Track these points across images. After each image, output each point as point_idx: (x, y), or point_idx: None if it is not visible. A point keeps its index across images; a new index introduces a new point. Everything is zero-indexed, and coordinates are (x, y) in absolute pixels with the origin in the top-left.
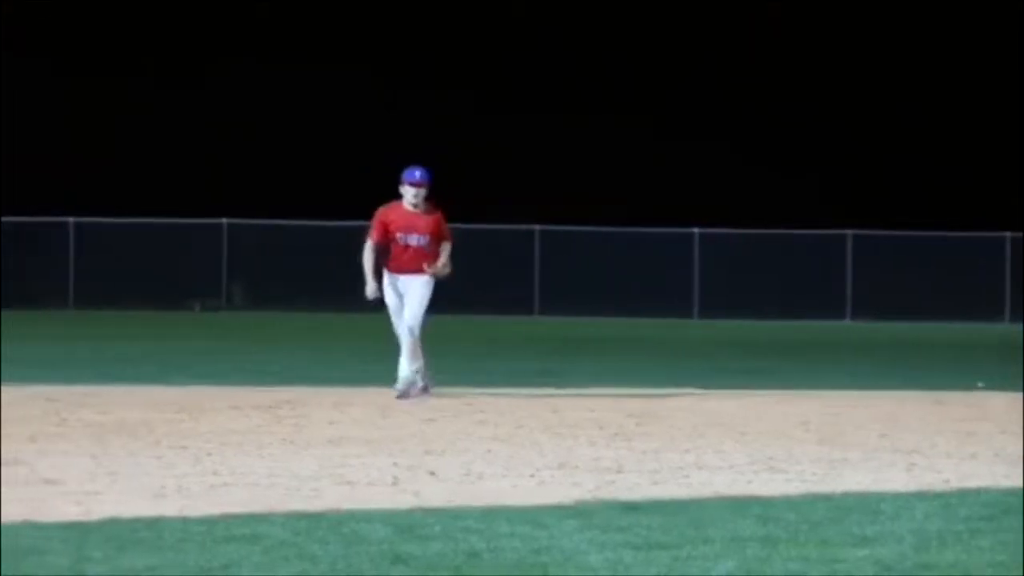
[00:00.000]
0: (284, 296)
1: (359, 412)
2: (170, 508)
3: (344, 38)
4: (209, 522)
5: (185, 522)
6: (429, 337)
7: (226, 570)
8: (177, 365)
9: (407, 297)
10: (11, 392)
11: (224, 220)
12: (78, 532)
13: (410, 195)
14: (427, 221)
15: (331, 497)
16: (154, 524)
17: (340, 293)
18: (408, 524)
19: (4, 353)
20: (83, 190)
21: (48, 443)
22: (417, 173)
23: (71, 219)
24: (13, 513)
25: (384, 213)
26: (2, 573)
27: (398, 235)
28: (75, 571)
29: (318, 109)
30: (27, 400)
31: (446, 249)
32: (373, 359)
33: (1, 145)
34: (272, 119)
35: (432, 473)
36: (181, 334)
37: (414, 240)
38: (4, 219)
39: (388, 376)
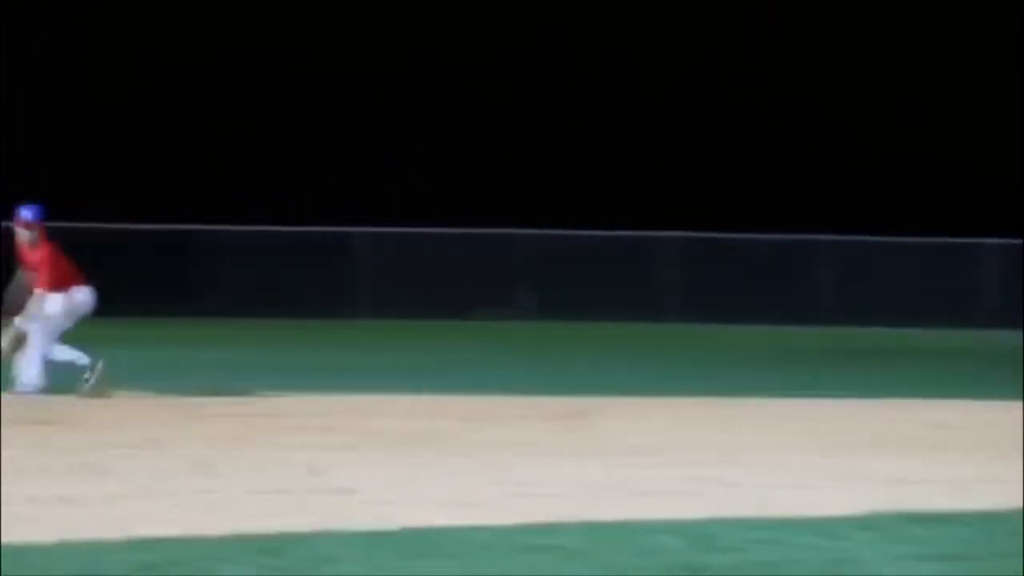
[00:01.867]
0: (574, 305)
1: (653, 421)
2: (464, 517)
3: None
4: (504, 532)
5: (479, 531)
6: (727, 346)
7: None
8: (468, 374)
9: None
10: (311, 401)
11: (514, 231)
12: (373, 541)
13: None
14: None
15: (626, 507)
16: (448, 533)
17: (628, 303)
18: (703, 534)
19: (310, 361)
20: (369, 200)
21: (346, 452)
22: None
23: (356, 229)
24: (309, 522)
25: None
26: None
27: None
28: None
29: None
30: (325, 408)
31: None
32: (665, 368)
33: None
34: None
35: (726, 483)
36: (468, 344)
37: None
38: (288, 229)
39: (681, 386)
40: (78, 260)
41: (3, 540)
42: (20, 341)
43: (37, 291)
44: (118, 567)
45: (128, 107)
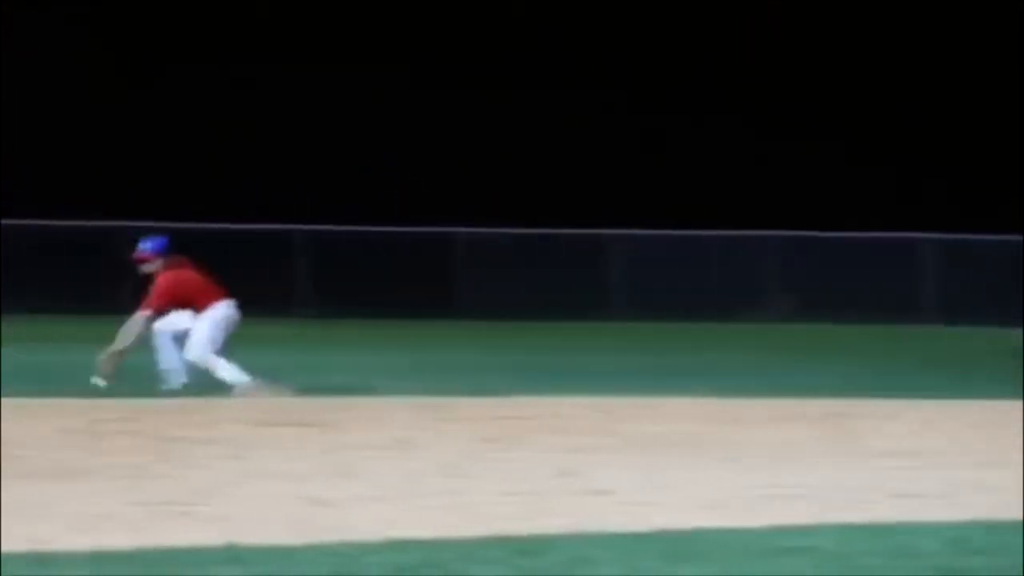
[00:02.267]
0: (832, 307)
1: (908, 424)
2: (721, 519)
3: None
4: (759, 534)
5: (735, 534)
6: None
7: None
8: (729, 376)
9: None
10: (562, 403)
11: (769, 232)
12: (630, 543)
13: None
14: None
15: (882, 509)
16: (705, 535)
17: (884, 304)
18: (958, 537)
19: (562, 364)
20: (623, 202)
21: (600, 454)
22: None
23: (610, 231)
24: (564, 524)
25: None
26: None
27: None
28: None
29: None
30: (577, 411)
31: None
32: (920, 370)
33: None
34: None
35: (984, 486)
36: (723, 346)
37: None
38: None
39: (934, 388)
40: (325, 261)
41: (256, 540)
42: (120, 356)
43: (139, 312)
44: (372, 568)
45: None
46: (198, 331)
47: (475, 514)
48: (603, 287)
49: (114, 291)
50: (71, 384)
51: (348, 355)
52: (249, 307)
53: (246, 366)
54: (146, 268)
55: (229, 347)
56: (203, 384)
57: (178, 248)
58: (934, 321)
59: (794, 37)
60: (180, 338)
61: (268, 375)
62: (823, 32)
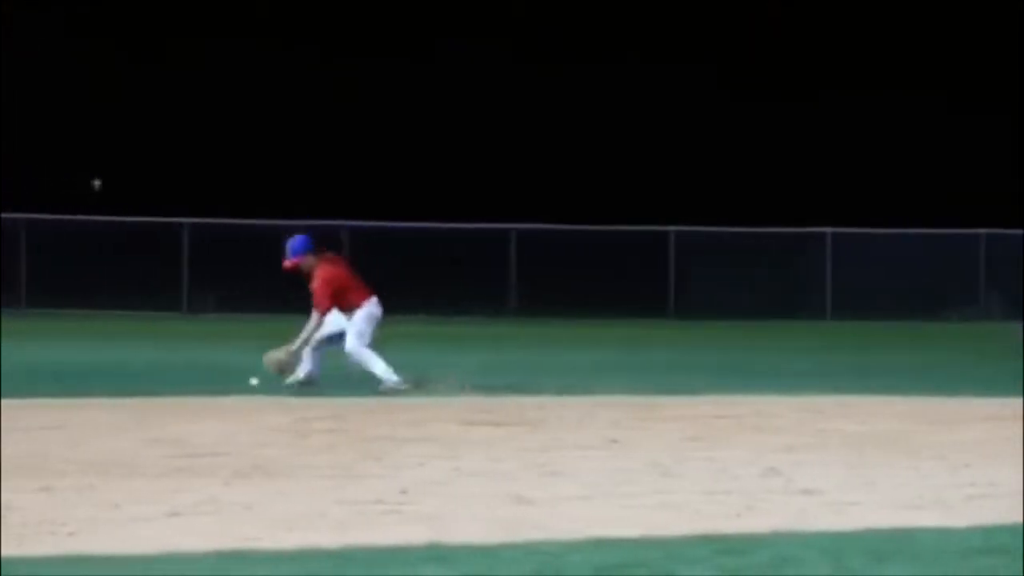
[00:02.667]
0: None
1: None
2: (927, 519)
3: None
4: (965, 533)
5: (942, 533)
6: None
7: None
8: (931, 375)
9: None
10: (767, 402)
11: (982, 231)
12: (838, 542)
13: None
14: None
15: None
16: (911, 535)
17: None
18: None
19: (766, 362)
20: (835, 201)
21: (806, 453)
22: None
23: (818, 230)
24: (770, 523)
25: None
26: None
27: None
28: None
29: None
30: (783, 410)
31: None
32: None
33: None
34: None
35: None
36: (933, 345)
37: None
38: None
39: None
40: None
41: (463, 539)
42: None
43: (314, 314)
44: (576, 567)
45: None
46: (355, 325)
47: (682, 513)
48: (814, 285)
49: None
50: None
51: (556, 354)
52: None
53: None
54: (303, 267)
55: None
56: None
57: (397, 247)
58: None
59: None
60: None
61: (475, 372)
62: None
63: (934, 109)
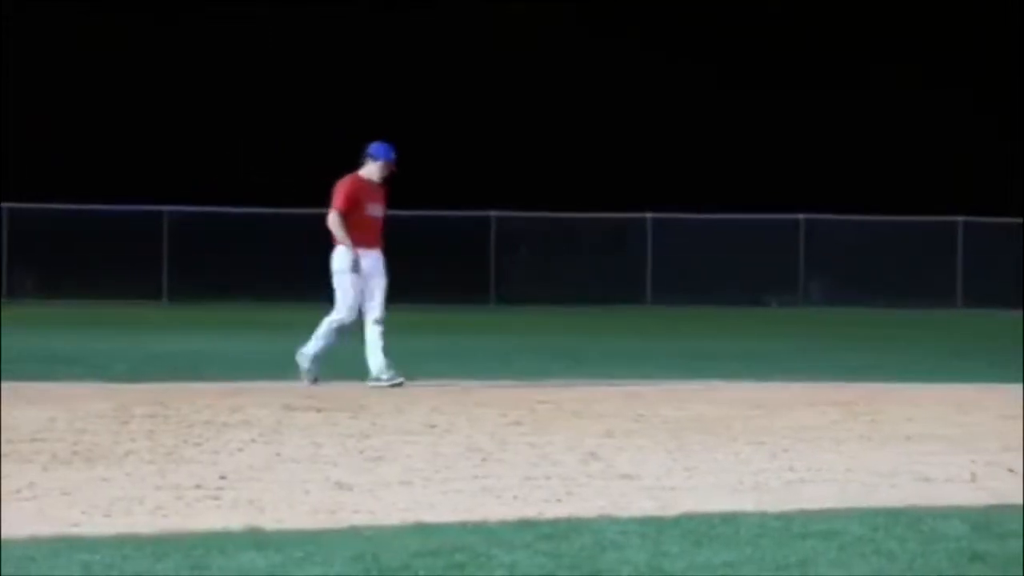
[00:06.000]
0: (859, 291)
1: (934, 408)
2: (747, 503)
3: None
4: (786, 518)
5: (761, 518)
6: (1001, 332)
7: (803, 566)
8: (752, 361)
9: (378, 279)
10: (589, 388)
11: (801, 216)
12: (655, 527)
13: (375, 172)
14: (384, 193)
15: (909, 494)
16: (731, 520)
17: (920, 288)
18: (986, 521)
19: (590, 348)
20: (654, 186)
21: (626, 438)
22: (393, 154)
23: (640, 215)
24: (590, 508)
25: (353, 182)
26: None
27: (368, 206)
28: (653, 566)
29: None
30: (605, 396)
31: None
32: (948, 355)
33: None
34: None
35: (1011, 470)
36: (757, 331)
37: (379, 212)
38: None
39: (963, 372)
40: None
41: (283, 524)
42: None
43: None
44: (398, 552)
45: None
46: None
47: (502, 498)
48: (635, 273)
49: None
50: None
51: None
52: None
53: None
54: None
55: None
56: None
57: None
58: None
59: None
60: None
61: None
62: None
63: (764, 94)
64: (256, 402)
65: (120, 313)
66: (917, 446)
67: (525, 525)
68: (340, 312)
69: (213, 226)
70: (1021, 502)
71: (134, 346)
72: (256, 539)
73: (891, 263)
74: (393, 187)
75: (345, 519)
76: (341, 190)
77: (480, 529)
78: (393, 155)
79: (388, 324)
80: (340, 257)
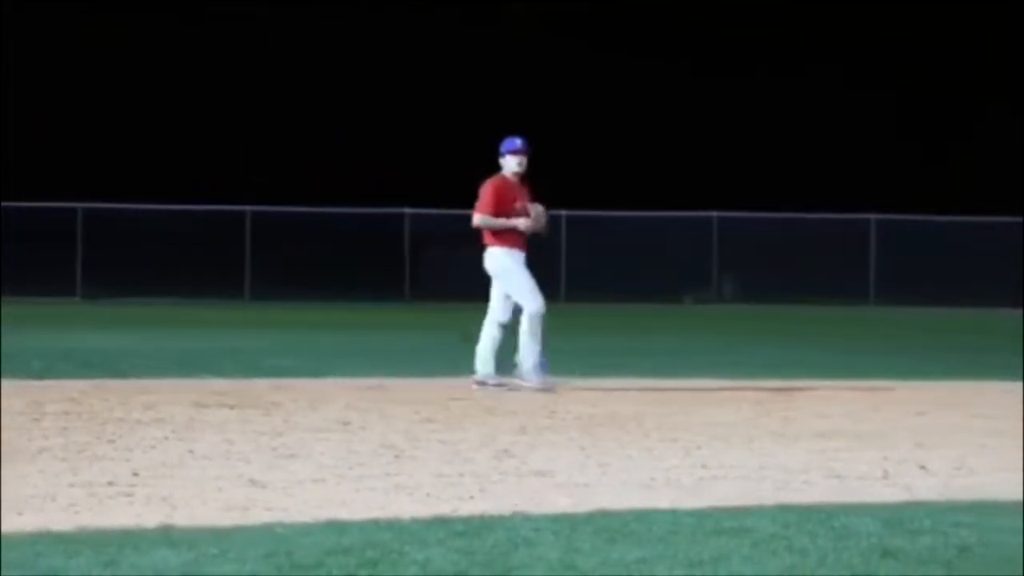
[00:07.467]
0: (773, 288)
1: (848, 405)
2: (660, 500)
3: None
4: (699, 515)
5: (675, 514)
6: (914, 328)
7: (716, 563)
8: (666, 358)
9: (523, 276)
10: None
11: (714, 213)
12: (568, 524)
13: (514, 164)
14: (524, 191)
15: (821, 490)
16: (644, 517)
17: (833, 285)
18: (898, 518)
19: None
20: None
21: (539, 435)
22: (518, 142)
23: (563, 212)
24: (503, 505)
25: (500, 185)
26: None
27: (516, 206)
28: (565, 563)
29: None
30: (518, 392)
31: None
32: (861, 352)
33: None
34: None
35: (923, 467)
36: (671, 327)
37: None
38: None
39: (875, 369)
40: None
41: (195, 521)
42: None
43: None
44: (310, 550)
45: None
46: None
47: (416, 495)
48: (550, 267)
49: None
50: None
51: (292, 337)
52: None
53: None
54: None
55: None
56: None
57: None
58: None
59: None
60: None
61: (211, 356)
62: None
63: (677, 90)
64: (169, 399)
65: (34, 310)
66: (829, 443)
67: (438, 522)
68: (531, 304)
69: (128, 224)
70: (931, 499)
71: (48, 343)
72: (169, 536)
73: (805, 260)
74: (315, 186)
75: (258, 516)
76: (489, 192)
77: (393, 526)
78: (518, 144)
79: (317, 321)
80: (499, 258)
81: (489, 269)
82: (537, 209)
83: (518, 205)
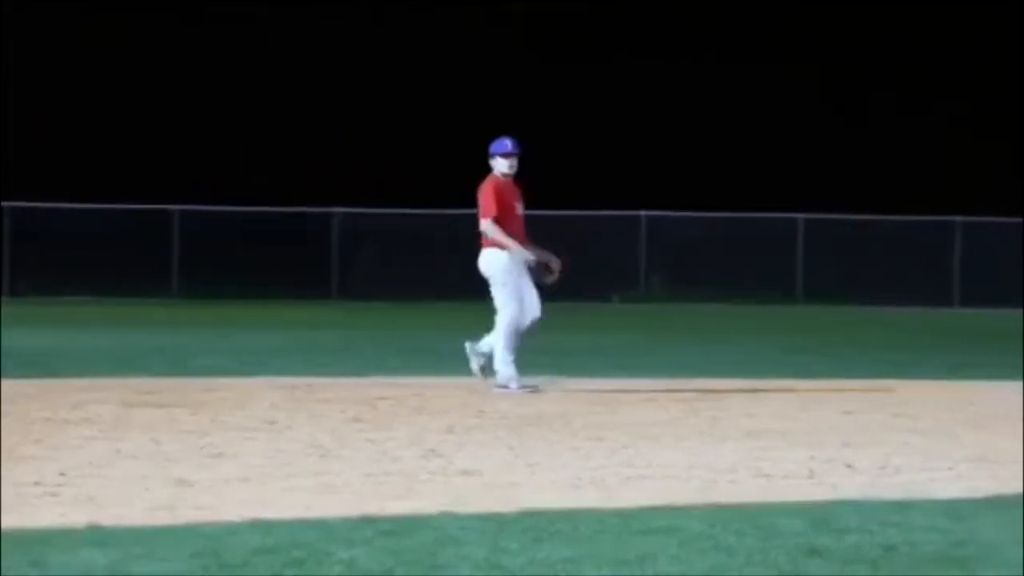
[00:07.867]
0: (703, 287)
1: (775, 404)
2: (586, 500)
3: None
4: (625, 514)
5: (600, 514)
6: (841, 328)
7: (642, 563)
8: (593, 357)
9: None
10: (429, 384)
11: (642, 213)
12: (495, 523)
13: (505, 166)
14: (519, 192)
15: (748, 490)
16: (571, 516)
17: (761, 284)
18: (824, 517)
19: (427, 346)
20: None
21: (466, 435)
22: (509, 143)
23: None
24: (430, 505)
25: (498, 185)
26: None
27: (517, 205)
28: (492, 562)
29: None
30: (446, 392)
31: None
32: (789, 351)
33: None
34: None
35: (849, 466)
36: (599, 325)
37: (520, 210)
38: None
39: (804, 368)
40: None
41: (122, 521)
42: None
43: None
44: (237, 549)
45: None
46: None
47: (342, 495)
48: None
49: None
50: None
51: (218, 336)
52: None
53: None
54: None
55: None
56: None
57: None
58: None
59: None
60: None
61: (140, 355)
62: None
63: (608, 87)
64: (97, 399)
65: None
66: (756, 442)
67: (365, 521)
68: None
69: (56, 222)
70: (857, 498)
71: None
72: (96, 536)
73: (732, 259)
74: (244, 184)
75: (185, 516)
76: (490, 193)
77: (319, 525)
78: (509, 146)
79: (245, 320)
80: (500, 260)
81: (484, 271)
82: (557, 262)
83: (518, 206)
